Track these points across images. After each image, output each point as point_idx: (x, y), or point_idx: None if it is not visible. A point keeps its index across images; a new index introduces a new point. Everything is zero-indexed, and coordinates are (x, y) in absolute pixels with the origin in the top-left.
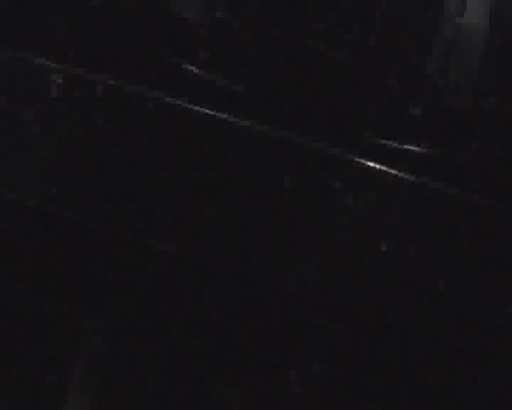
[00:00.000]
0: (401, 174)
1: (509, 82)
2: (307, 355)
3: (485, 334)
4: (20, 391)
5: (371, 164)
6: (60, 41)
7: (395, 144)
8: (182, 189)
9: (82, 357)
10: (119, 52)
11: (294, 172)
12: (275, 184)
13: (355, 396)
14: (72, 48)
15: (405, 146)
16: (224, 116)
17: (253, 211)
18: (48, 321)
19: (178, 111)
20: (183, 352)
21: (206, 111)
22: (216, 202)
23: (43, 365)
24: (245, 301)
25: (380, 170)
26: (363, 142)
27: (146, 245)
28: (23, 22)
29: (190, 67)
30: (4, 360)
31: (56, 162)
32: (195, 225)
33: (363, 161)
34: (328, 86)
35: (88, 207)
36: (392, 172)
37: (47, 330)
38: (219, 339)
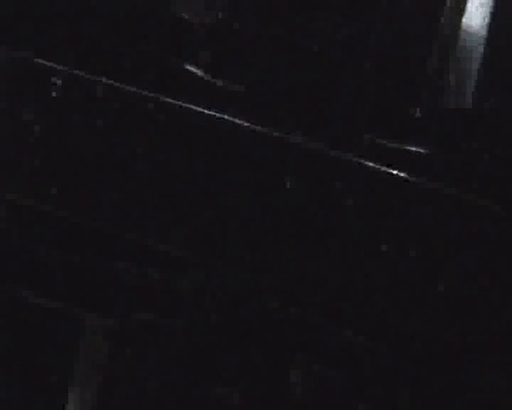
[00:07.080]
0: (401, 174)
1: (509, 83)
2: (308, 356)
3: (485, 334)
4: (20, 391)
5: (371, 164)
6: (60, 41)
7: (395, 144)
8: (182, 189)
9: (83, 357)
10: (119, 52)
11: (294, 172)
12: (274, 184)
13: (355, 397)
14: (72, 48)
15: (405, 146)
16: (224, 116)
17: (252, 211)
18: (48, 321)
19: (178, 111)
20: (184, 352)
21: (206, 111)
22: (216, 202)
23: (43, 365)
24: (245, 301)
25: (380, 170)
26: (363, 142)
27: (146, 245)
28: (23, 22)
29: (190, 67)
30: (5, 360)
31: (56, 162)
32: (195, 225)
33: (363, 161)
34: (327, 86)
35: (88, 207)
36: (392, 172)
37: (47, 329)
38: (219, 339)
